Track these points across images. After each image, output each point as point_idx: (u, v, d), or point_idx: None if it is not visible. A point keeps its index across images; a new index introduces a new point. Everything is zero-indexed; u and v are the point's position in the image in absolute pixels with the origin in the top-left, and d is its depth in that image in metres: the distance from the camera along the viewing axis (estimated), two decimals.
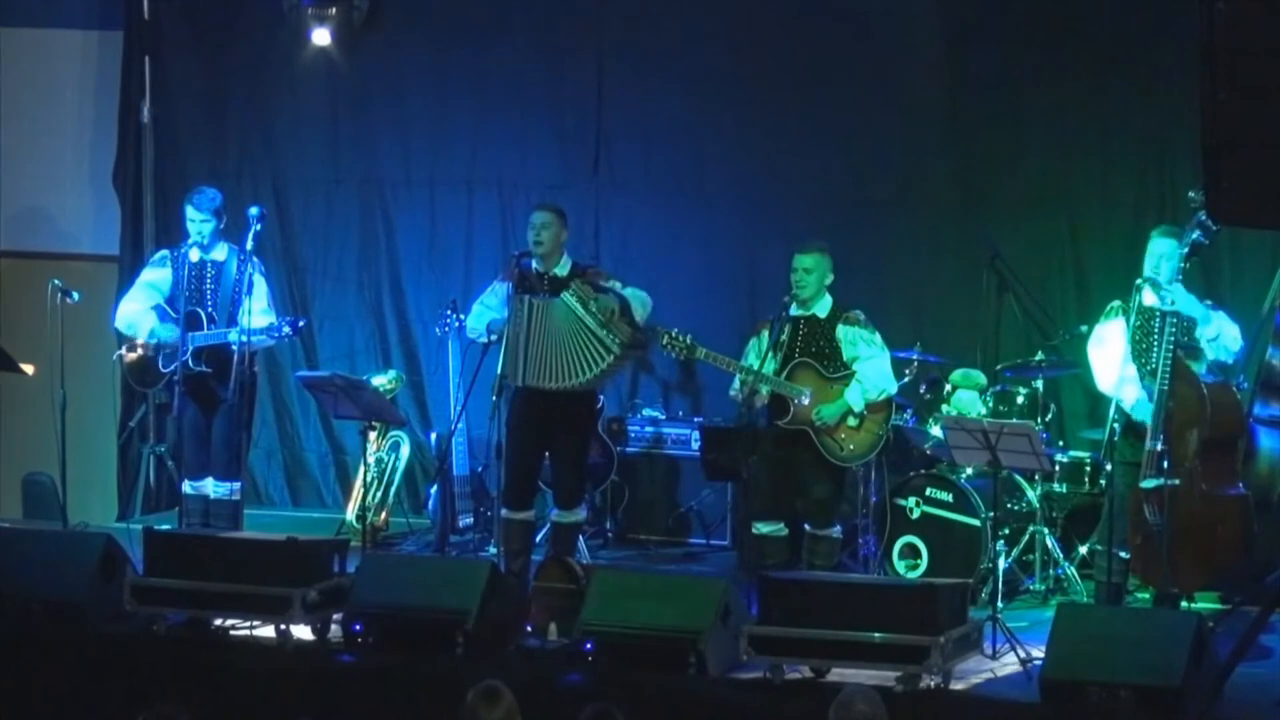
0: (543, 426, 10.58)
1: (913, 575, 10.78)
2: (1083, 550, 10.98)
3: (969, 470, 10.89)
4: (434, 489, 11.95)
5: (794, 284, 10.45)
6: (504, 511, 10.71)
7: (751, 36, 12.41)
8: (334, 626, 9.68)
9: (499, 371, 10.40)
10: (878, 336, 10.51)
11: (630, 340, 10.51)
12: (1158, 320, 9.86)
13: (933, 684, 8.77)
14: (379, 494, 12.15)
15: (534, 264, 10.58)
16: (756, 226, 12.43)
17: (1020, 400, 11.14)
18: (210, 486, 11.22)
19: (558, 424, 10.58)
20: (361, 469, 11.85)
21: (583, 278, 10.53)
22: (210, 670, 9.32)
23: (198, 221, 11.12)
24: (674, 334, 10.61)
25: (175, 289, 11.18)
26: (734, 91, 12.48)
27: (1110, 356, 10.01)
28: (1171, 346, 9.70)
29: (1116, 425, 9.90)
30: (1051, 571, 10.86)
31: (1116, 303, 10.09)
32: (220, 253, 11.21)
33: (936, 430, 11.00)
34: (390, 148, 13.12)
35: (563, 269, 10.59)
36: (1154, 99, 11.60)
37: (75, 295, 11.72)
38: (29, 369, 11.80)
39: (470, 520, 11.97)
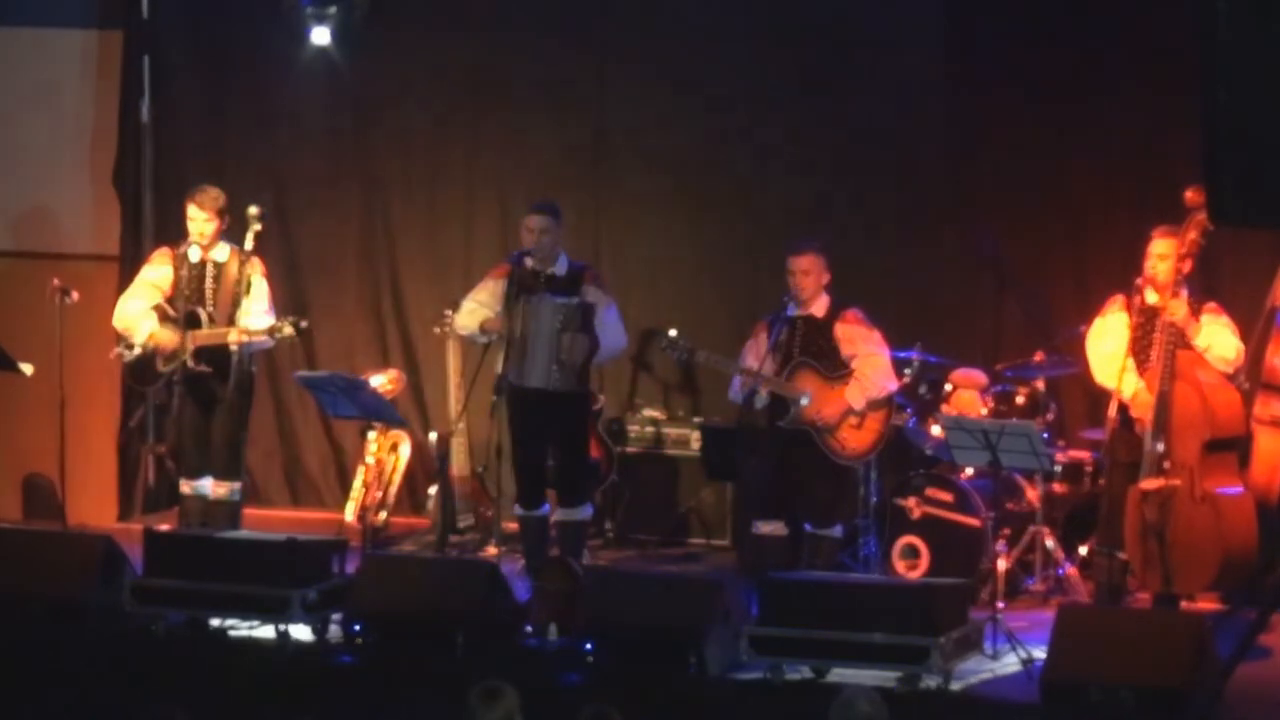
0: (543, 424, 10.57)
1: (912, 575, 10.78)
2: (1083, 550, 10.97)
3: (969, 470, 10.89)
4: (434, 489, 11.95)
5: (792, 286, 10.44)
6: (517, 509, 10.72)
7: (751, 36, 12.40)
8: (334, 626, 9.68)
9: (499, 371, 10.40)
10: (876, 335, 10.49)
11: (577, 387, 10.52)
12: (1158, 319, 9.86)
13: (933, 684, 8.77)
14: (379, 494, 12.14)
15: (530, 263, 10.54)
16: (756, 227, 12.41)
17: (1020, 400, 11.13)
18: (209, 486, 11.22)
19: (555, 421, 10.58)
20: (361, 469, 11.85)
21: (579, 279, 10.51)
22: (210, 670, 9.32)
23: (200, 220, 11.09)
24: (673, 337, 10.59)
25: (176, 288, 11.17)
26: (734, 91, 12.47)
27: (1108, 349, 10.01)
28: (1173, 347, 9.70)
29: (1117, 419, 9.90)
30: (1051, 571, 10.85)
31: (1119, 297, 10.09)
32: (221, 252, 11.20)
33: (936, 430, 11.00)
34: (390, 148, 13.11)
35: (560, 269, 10.58)
36: (1154, 98, 11.58)
37: (75, 295, 11.72)
38: (28, 369, 11.79)
39: (470, 520, 11.96)
